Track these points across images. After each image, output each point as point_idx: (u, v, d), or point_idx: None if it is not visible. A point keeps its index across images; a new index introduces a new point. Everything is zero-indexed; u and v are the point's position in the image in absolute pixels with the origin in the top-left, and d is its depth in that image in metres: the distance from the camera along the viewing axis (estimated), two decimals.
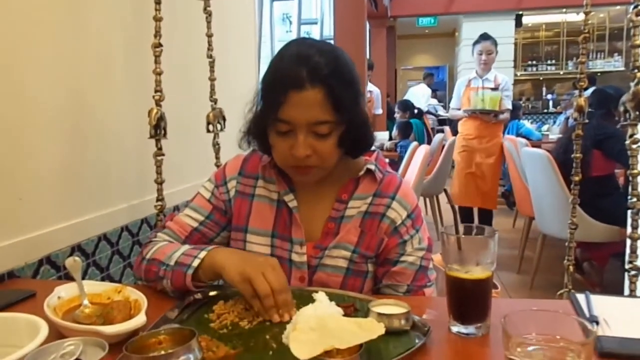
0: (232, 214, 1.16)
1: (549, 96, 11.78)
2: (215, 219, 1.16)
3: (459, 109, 4.49)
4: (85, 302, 0.93)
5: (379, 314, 0.84)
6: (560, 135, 4.56)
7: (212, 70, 1.94)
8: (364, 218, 1.11)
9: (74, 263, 0.95)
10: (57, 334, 0.80)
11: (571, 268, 1.79)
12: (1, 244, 1.20)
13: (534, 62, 12.06)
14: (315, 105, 0.98)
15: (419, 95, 8.10)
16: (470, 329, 0.84)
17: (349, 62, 1.05)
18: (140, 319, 0.84)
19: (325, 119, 1.00)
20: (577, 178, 1.76)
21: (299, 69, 0.98)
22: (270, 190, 1.15)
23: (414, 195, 1.15)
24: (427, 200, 5.27)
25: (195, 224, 1.15)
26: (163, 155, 1.63)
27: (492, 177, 4.44)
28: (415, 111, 6.60)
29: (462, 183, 4.46)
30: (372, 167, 1.13)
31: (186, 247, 1.07)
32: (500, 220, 5.23)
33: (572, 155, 1.77)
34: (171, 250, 1.06)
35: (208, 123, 1.93)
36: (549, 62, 12.00)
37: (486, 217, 4.52)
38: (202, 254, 1.01)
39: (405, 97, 7.73)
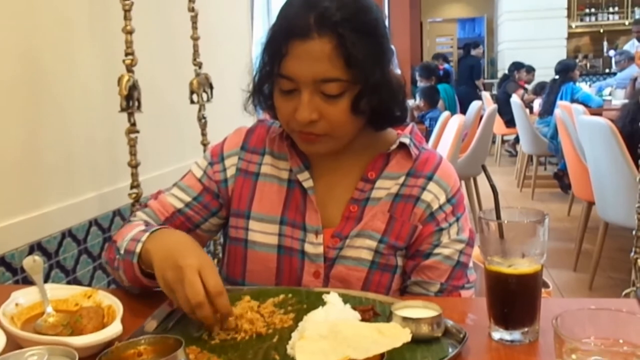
0: (227, 198, 1.18)
1: (611, 52, 11.61)
2: (204, 202, 1.17)
3: None
4: (49, 309, 0.94)
5: (404, 318, 0.84)
6: (626, 101, 4.52)
7: (194, 27, 1.94)
8: (395, 201, 1.11)
9: (33, 264, 0.97)
10: (16, 347, 0.81)
11: (639, 262, 1.80)
12: None
13: (593, 10, 11.91)
14: (323, 59, 0.99)
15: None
16: (515, 335, 0.85)
17: (373, 8, 1.04)
18: (114, 328, 0.85)
19: (334, 76, 1.00)
20: None
21: (306, 14, 0.99)
22: (280, 169, 1.16)
23: (455, 176, 1.15)
24: (463, 183, 5.26)
25: (179, 205, 1.16)
26: (137, 132, 1.64)
27: None
28: (441, 73, 6.40)
29: None
30: (407, 140, 1.12)
31: (139, 228, 1.07)
32: (553, 206, 5.22)
33: None
34: (127, 232, 1.07)
35: (192, 92, 1.94)
36: (610, 9, 11.84)
37: None
38: (145, 237, 1.01)
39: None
